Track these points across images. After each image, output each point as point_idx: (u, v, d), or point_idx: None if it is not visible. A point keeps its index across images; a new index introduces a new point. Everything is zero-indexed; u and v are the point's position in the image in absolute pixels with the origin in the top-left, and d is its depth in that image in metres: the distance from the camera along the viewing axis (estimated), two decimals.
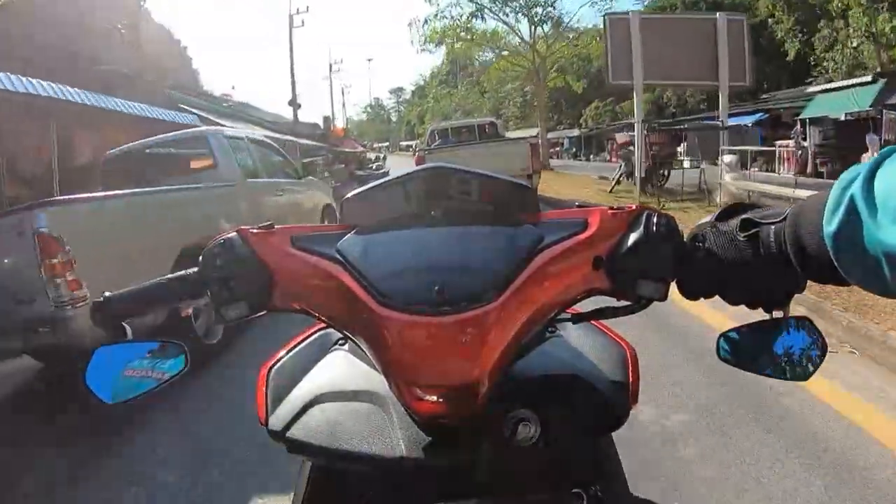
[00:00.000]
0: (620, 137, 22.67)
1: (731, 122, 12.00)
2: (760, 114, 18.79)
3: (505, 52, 27.30)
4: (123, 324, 0.59)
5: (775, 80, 21.51)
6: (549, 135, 33.96)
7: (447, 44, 25.22)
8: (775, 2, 21.21)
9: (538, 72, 25.28)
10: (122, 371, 0.58)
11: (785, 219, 0.48)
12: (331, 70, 42.06)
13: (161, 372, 0.59)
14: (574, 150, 38.61)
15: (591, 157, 34.88)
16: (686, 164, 10.80)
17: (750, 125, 17.33)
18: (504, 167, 7.08)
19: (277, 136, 12.19)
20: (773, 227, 0.49)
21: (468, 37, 25.28)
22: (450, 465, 0.57)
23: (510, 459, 0.57)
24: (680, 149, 12.61)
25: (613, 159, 27.56)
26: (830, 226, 0.42)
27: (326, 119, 30.70)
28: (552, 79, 26.47)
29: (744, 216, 0.51)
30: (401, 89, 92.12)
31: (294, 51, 28.41)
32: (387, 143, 73.60)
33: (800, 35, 20.69)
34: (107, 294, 0.59)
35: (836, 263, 0.42)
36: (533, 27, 24.93)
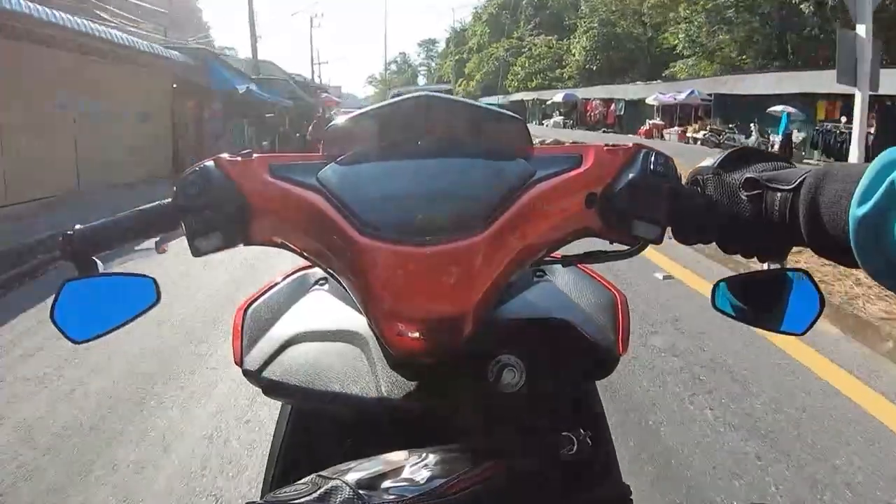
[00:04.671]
0: None
1: None
2: None
3: None
4: (93, 257, 0.56)
5: None
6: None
7: None
8: None
9: None
10: (90, 306, 0.55)
11: (796, 188, 0.45)
12: None
13: (131, 306, 0.56)
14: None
15: None
16: None
17: None
18: None
19: None
20: (779, 194, 0.46)
21: None
22: (431, 410, 0.55)
23: (493, 405, 0.55)
24: None
25: None
26: (860, 209, 0.37)
27: None
28: None
29: (748, 175, 0.48)
30: (433, 41, 77.50)
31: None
32: None
33: None
34: (77, 227, 0.56)
35: (854, 249, 0.39)
36: None
